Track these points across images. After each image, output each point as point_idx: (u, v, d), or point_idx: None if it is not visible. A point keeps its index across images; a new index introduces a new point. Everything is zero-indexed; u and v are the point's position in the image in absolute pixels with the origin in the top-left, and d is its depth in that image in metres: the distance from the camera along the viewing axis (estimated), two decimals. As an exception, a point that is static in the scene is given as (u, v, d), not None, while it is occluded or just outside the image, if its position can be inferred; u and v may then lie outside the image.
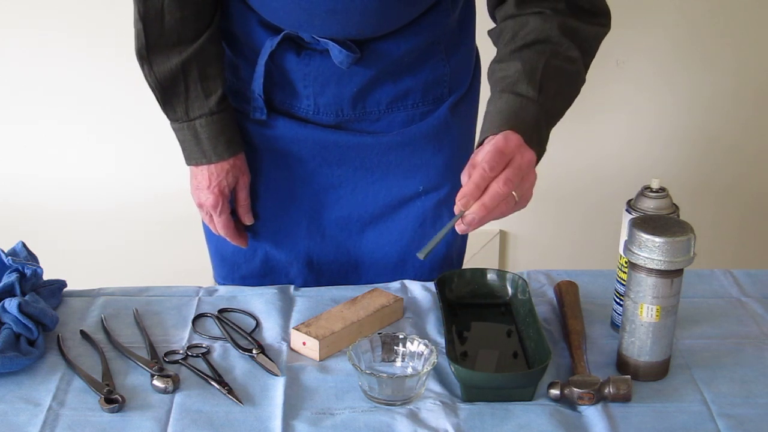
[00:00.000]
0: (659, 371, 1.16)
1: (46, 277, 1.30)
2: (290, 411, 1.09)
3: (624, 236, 1.20)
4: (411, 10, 1.30)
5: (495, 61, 1.28)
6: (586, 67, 1.30)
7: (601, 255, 2.07)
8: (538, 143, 1.19)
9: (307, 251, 1.49)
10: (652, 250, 1.10)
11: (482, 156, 1.11)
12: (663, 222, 1.13)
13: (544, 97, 1.21)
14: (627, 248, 1.13)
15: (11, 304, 1.18)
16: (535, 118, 1.19)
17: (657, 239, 1.09)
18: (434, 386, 1.13)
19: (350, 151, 1.42)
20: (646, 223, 1.12)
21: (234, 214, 1.46)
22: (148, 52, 1.33)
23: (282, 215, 1.48)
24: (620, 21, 2.31)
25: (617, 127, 2.44)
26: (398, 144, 1.42)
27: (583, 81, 1.29)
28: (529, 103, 1.20)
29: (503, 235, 2.56)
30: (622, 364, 1.17)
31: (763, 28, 2.36)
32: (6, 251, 1.30)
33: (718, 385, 1.15)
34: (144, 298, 1.34)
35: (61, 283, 1.33)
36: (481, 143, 1.17)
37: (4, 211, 2.40)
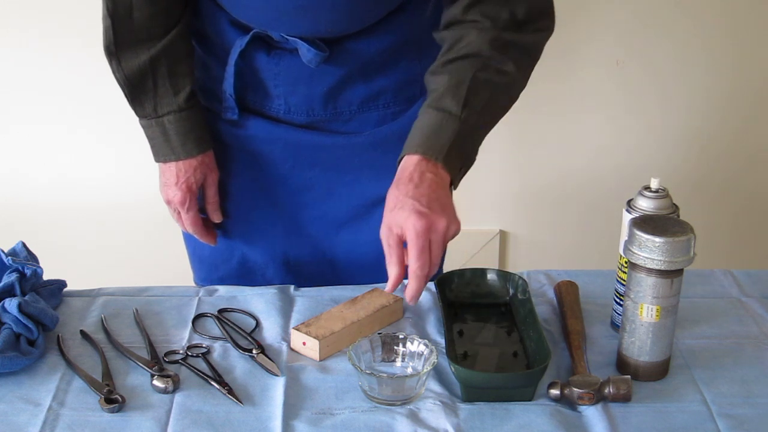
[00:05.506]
0: (659, 371, 1.16)
1: (46, 277, 1.30)
2: (290, 411, 1.09)
3: (624, 236, 1.20)
4: (380, 9, 1.31)
5: (428, 72, 1.30)
6: (527, 72, 1.31)
7: (600, 255, 2.07)
8: (457, 157, 1.22)
9: (283, 252, 1.49)
10: (652, 250, 1.10)
11: (410, 252, 1.16)
12: (663, 222, 1.13)
13: (469, 112, 1.23)
14: (627, 248, 1.13)
15: (11, 304, 1.18)
16: (455, 134, 1.22)
17: (657, 239, 1.09)
18: (434, 386, 1.13)
19: (323, 152, 1.42)
20: (646, 223, 1.12)
21: (203, 212, 1.46)
22: (116, 48, 1.33)
23: (257, 216, 1.48)
24: (620, 21, 2.32)
25: (617, 127, 2.44)
26: (371, 144, 1.42)
27: (517, 91, 1.31)
28: (451, 120, 1.23)
29: (503, 235, 2.56)
30: (622, 364, 1.17)
31: (762, 29, 2.36)
32: (6, 251, 1.30)
33: (718, 385, 1.15)
34: (144, 298, 1.34)
35: (61, 283, 1.33)
36: (401, 159, 1.24)
37: (4, 211, 2.40)
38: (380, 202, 1.45)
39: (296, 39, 1.30)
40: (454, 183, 1.24)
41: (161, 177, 1.43)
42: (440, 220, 1.16)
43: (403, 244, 1.17)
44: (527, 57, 1.31)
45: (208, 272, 1.55)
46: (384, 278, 1.41)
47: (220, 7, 1.34)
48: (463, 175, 1.27)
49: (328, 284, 1.40)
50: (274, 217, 1.48)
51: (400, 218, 1.16)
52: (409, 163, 1.22)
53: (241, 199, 1.48)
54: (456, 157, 1.22)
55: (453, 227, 1.18)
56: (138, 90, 1.36)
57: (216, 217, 1.47)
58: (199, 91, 1.41)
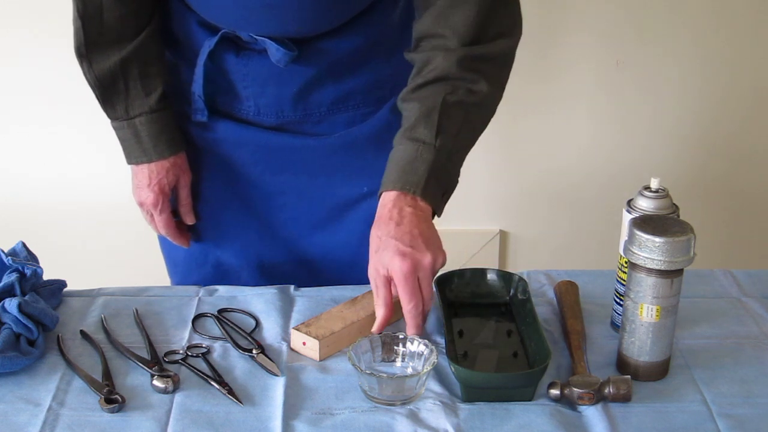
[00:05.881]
0: (659, 371, 1.16)
1: (46, 277, 1.30)
2: (290, 411, 1.09)
3: (624, 236, 1.20)
4: (348, 9, 1.31)
5: (399, 99, 1.30)
6: (502, 82, 1.31)
7: (601, 255, 2.07)
8: (437, 186, 1.22)
9: (258, 255, 1.49)
10: (652, 250, 1.10)
11: (399, 292, 1.16)
12: (663, 222, 1.13)
13: (444, 138, 1.23)
14: (627, 248, 1.13)
15: (11, 304, 1.18)
16: (431, 164, 1.22)
17: (657, 239, 1.09)
18: (434, 386, 1.13)
19: (294, 155, 1.42)
20: (646, 223, 1.12)
21: (176, 215, 1.46)
22: (86, 49, 1.33)
23: (230, 219, 1.48)
24: (620, 21, 2.32)
25: (617, 127, 2.44)
26: (341, 146, 1.42)
27: (492, 106, 1.30)
28: (426, 150, 1.22)
29: (503, 235, 2.56)
30: (622, 364, 1.17)
31: (762, 27, 2.36)
32: (6, 251, 1.30)
33: (718, 385, 1.15)
34: (144, 298, 1.34)
35: (61, 283, 1.33)
36: (379, 195, 1.24)
37: (4, 211, 2.40)
38: (353, 203, 1.45)
39: (265, 39, 1.30)
40: (437, 211, 1.24)
41: (134, 179, 1.43)
42: (425, 256, 1.16)
43: (390, 284, 1.18)
44: (499, 67, 1.30)
45: (183, 276, 1.55)
46: (358, 278, 1.41)
47: (189, 7, 1.33)
48: (447, 200, 1.27)
49: (304, 286, 1.40)
50: (247, 220, 1.48)
51: (385, 260, 1.16)
52: (387, 199, 1.21)
53: (214, 202, 1.47)
54: (435, 186, 1.22)
55: (439, 260, 1.18)
56: (109, 92, 1.36)
57: (189, 219, 1.47)
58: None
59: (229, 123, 1.41)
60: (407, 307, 1.16)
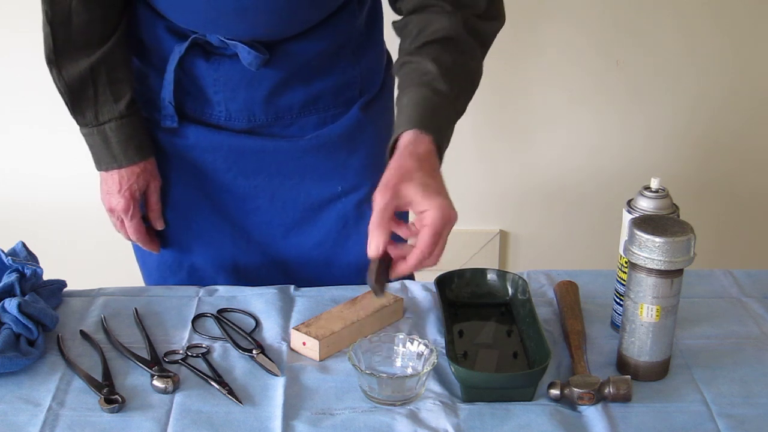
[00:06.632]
0: (659, 371, 1.16)
1: (46, 277, 1.30)
2: (290, 411, 1.09)
3: (624, 236, 1.20)
4: (318, 11, 1.31)
5: (405, 54, 1.26)
6: (482, 63, 1.31)
7: (601, 255, 2.07)
8: (447, 140, 1.20)
9: (232, 259, 1.49)
10: (652, 250, 1.10)
11: (423, 236, 1.09)
12: (663, 222, 1.13)
13: (454, 95, 1.22)
14: (627, 248, 1.13)
15: (11, 304, 1.18)
16: (448, 116, 1.21)
17: (657, 239, 1.09)
18: (434, 386, 1.13)
19: (266, 157, 1.42)
20: (646, 223, 1.12)
21: (146, 221, 1.46)
22: (56, 55, 1.32)
23: (204, 225, 1.47)
24: (620, 21, 2.32)
25: (617, 127, 2.45)
26: (313, 147, 1.42)
27: (480, 76, 1.30)
28: (444, 101, 1.21)
29: (503, 235, 2.56)
30: (622, 364, 1.17)
31: (762, 28, 2.36)
32: (6, 251, 1.30)
33: (718, 385, 1.15)
34: (144, 298, 1.34)
35: (61, 283, 1.33)
36: (396, 138, 1.16)
37: (4, 211, 2.40)
38: (326, 203, 1.45)
39: (236, 42, 1.30)
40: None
41: (102, 185, 1.43)
42: (455, 214, 1.11)
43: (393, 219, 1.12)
44: (487, 44, 1.31)
45: (158, 283, 1.54)
46: (335, 278, 1.41)
47: (158, 14, 1.33)
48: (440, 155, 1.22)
49: None
50: (220, 224, 1.47)
51: (426, 202, 1.08)
52: (423, 140, 1.15)
53: (187, 208, 1.47)
54: (447, 139, 1.20)
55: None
56: (79, 98, 1.35)
57: (159, 225, 1.47)
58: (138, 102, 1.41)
59: (199, 128, 1.40)
60: (417, 253, 1.09)
